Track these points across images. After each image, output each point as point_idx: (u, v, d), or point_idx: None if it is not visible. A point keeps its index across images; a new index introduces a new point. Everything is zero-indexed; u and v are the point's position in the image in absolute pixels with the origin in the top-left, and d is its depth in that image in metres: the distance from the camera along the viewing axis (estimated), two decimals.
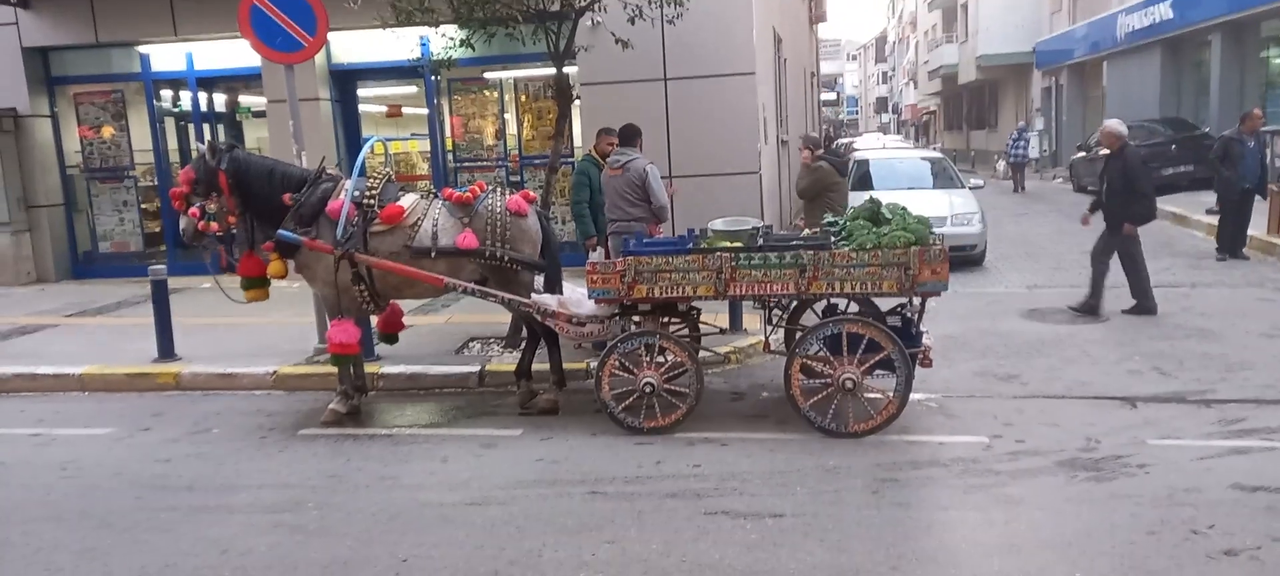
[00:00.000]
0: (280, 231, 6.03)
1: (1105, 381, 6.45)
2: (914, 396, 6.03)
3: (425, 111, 12.00)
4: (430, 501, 4.87)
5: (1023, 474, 4.89)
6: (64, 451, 6.07)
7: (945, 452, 5.28)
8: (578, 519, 4.53)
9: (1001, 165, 27.17)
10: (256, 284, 6.29)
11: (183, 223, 6.08)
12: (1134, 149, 8.21)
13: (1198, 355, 7.00)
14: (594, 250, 7.67)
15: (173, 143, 13.26)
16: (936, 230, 5.76)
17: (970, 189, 12.91)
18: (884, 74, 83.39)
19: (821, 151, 8.71)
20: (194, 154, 7.57)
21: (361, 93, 12.32)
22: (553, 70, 8.42)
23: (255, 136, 12.88)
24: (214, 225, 6.06)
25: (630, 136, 7.27)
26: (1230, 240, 11.28)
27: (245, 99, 13.01)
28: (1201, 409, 5.81)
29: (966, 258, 11.42)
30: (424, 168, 12.28)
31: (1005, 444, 5.40)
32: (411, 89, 12.50)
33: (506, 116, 11.99)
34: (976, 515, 4.38)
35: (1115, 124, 8.21)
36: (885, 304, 6.14)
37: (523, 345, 6.70)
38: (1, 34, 12.34)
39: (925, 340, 5.72)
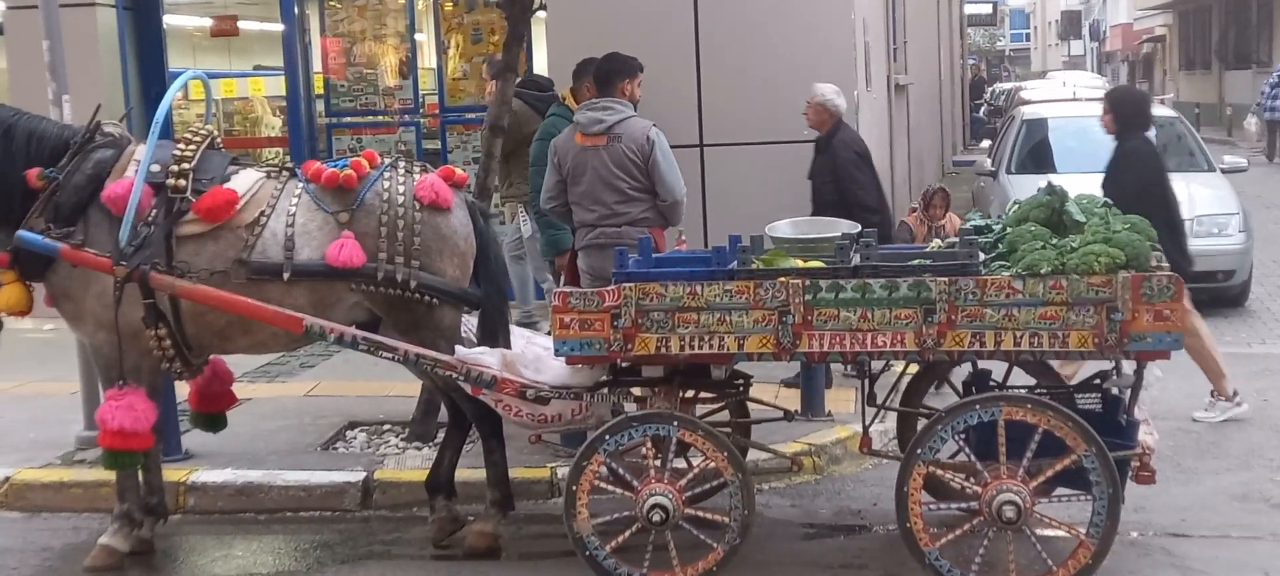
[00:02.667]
0: (20, 232, 5.18)
1: None
2: (1124, 534, 5.24)
3: (279, 28, 10.70)
4: None
5: None
6: None
7: None
8: None
9: (1254, 124, 25.34)
10: None
11: None
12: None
13: None
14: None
15: None
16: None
17: (1224, 173, 11.27)
18: None
19: (518, 82, 7.80)
20: None
21: None
22: None
23: None
24: None
25: (613, 76, 6.31)
26: None
27: None
28: None
29: (1217, 291, 9.98)
30: (275, 126, 11.28)
31: None
32: None
33: (419, 37, 10.75)
34: None
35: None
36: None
37: (441, 438, 5.89)
38: None
39: (1143, 436, 5.06)
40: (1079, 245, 4.80)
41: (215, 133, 5.63)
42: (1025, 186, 8.56)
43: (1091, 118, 11.62)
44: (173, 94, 5.62)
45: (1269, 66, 30.65)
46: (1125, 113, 7.30)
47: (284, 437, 6.94)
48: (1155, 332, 4.64)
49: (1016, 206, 5.30)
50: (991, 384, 5.42)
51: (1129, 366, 4.99)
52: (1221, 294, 10.07)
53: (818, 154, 7.67)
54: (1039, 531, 4.81)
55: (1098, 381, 5.20)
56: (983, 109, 33.52)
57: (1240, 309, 10.22)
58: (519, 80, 8.02)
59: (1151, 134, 7.40)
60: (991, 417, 4.74)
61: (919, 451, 4.77)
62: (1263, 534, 5.47)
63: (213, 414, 5.93)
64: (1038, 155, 11.57)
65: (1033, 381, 5.49)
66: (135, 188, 5.14)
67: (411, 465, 6.37)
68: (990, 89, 38.10)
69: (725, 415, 5.71)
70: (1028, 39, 78.76)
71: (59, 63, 6.52)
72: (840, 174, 7.46)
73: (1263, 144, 23.66)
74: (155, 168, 5.24)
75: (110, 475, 5.50)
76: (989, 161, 12.57)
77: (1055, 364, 5.58)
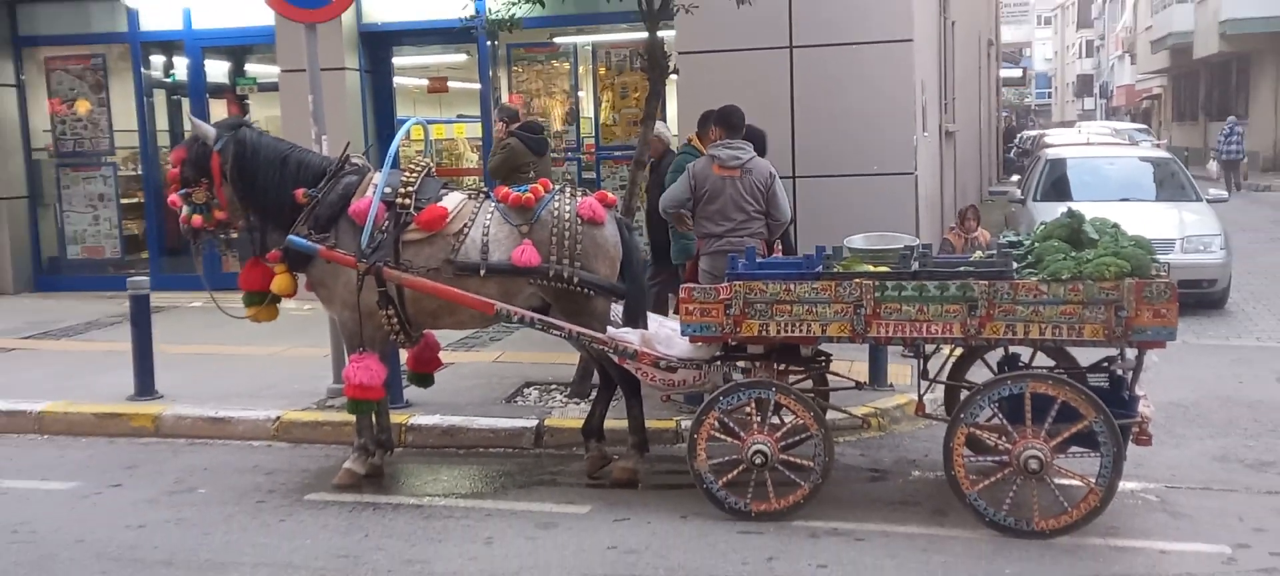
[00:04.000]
0: (290, 236, 6.29)
1: None
2: (1125, 485, 5.96)
3: (478, 87, 12.34)
4: None
5: None
6: (15, 509, 6.32)
7: (1169, 565, 5.25)
8: None
9: (1213, 167, 29.88)
10: (261, 300, 6.56)
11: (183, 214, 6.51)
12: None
13: None
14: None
15: (162, 121, 13.87)
16: (1161, 257, 5.78)
17: (1209, 202, 12.83)
18: (1088, 44, 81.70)
19: (516, 126, 9.49)
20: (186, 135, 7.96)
21: (398, 61, 12.77)
22: (644, 34, 8.64)
23: (264, 115, 13.40)
24: (196, 218, 6.41)
25: (737, 124, 7.31)
26: None
27: (253, 68, 13.56)
28: None
29: (1202, 296, 11.40)
30: (474, 159, 12.77)
31: (1255, 557, 5.32)
32: (461, 58, 12.90)
33: (581, 94, 12.28)
34: None
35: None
36: (1086, 357, 6.11)
37: (594, 395, 6.89)
38: None
39: (1142, 408, 5.71)
40: (1093, 257, 5.48)
41: (431, 165, 6.68)
42: (1048, 211, 9.64)
43: (1102, 159, 13.62)
44: (401, 136, 6.72)
45: (1248, 118, 33.12)
46: None
47: (477, 393, 8.18)
48: (1154, 327, 5.34)
49: (1042, 227, 6.01)
50: (1020, 365, 6.19)
51: (1131, 353, 5.61)
52: (1206, 298, 11.40)
53: (652, 172, 9.01)
54: (1057, 480, 5.54)
55: (1106, 365, 5.91)
56: (1013, 151, 36.04)
57: (1222, 310, 11.54)
58: (517, 124, 9.50)
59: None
60: (1020, 391, 5.46)
61: (962, 415, 5.56)
62: (1238, 488, 6.17)
63: (424, 374, 6.99)
64: (1058, 187, 13.05)
65: (1052, 363, 6.16)
66: (373, 204, 6.20)
67: (572, 415, 7.46)
68: (1019, 135, 41.10)
69: (810, 384, 6.58)
70: (1050, 96, 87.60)
71: (319, 112, 7.71)
72: (663, 186, 8.03)
73: (1220, 180, 26.21)
74: (388, 190, 6.27)
75: (351, 417, 6.61)
76: (1019, 192, 13.95)
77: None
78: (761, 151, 7.56)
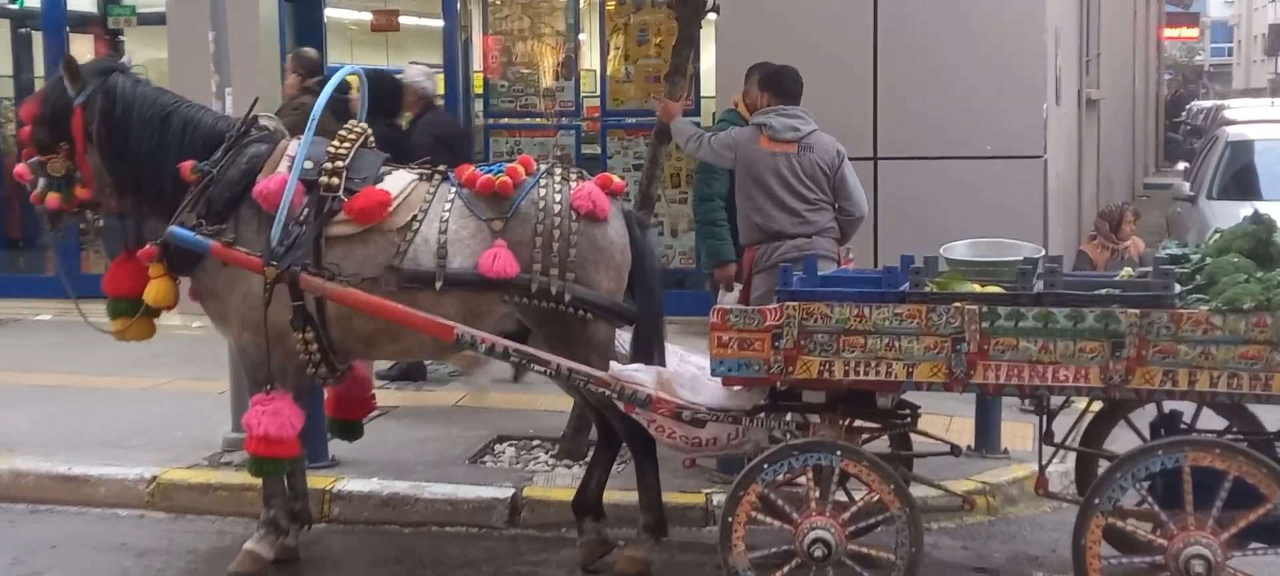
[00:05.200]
0: (172, 227, 6.30)
1: None
2: None
3: (439, 24, 12.55)
4: None
5: None
6: None
7: None
8: None
9: None
10: (133, 311, 6.59)
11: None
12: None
13: None
14: (730, 288, 7.94)
15: (4, 63, 14.13)
16: None
17: None
18: None
19: (316, 81, 9.46)
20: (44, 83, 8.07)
21: None
22: None
23: (146, 58, 13.49)
24: (53, 197, 6.50)
25: (792, 90, 7.55)
26: None
27: None
28: None
29: None
30: None
31: None
32: None
33: (582, 37, 12.54)
34: None
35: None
36: (1275, 419, 6.08)
37: (591, 455, 6.94)
38: None
39: None
40: None
41: (369, 130, 6.72)
42: (1228, 214, 9.70)
43: None
44: (329, 90, 6.70)
45: None
46: None
47: (431, 448, 8.25)
48: None
49: (1218, 235, 6.03)
50: (1181, 427, 6.11)
51: None
52: None
53: (406, 133, 9.49)
54: None
55: None
56: (1181, 128, 35.90)
57: None
58: (317, 79, 9.56)
59: None
60: (1176, 462, 5.45)
61: (1096, 501, 5.53)
62: None
63: (349, 420, 7.02)
64: (1243, 180, 13.22)
65: (1225, 425, 6.20)
66: (289, 185, 6.17)
67: (561, 483, 7.56)
68: (1189, 106, 40.76)
69: (891, 446, 6.65)
70: (1231, 53, 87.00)
71: (223, 55, 7.84)
72: (416, 156, 7.96)
73: None
74: (309, 165, 6.26)
75: (257, 479, 6.59)
76: (1187, 185, 14.18)
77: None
78: None
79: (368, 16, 13.39)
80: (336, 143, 6.50)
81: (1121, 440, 6.45)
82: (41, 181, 6.51)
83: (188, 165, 6.39)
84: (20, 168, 6.59)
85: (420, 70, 9.90)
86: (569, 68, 12.49)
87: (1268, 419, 6.11)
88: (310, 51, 10.45)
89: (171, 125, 6.49)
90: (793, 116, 7.35)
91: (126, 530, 7.33)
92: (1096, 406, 6.44)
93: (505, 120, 12.55)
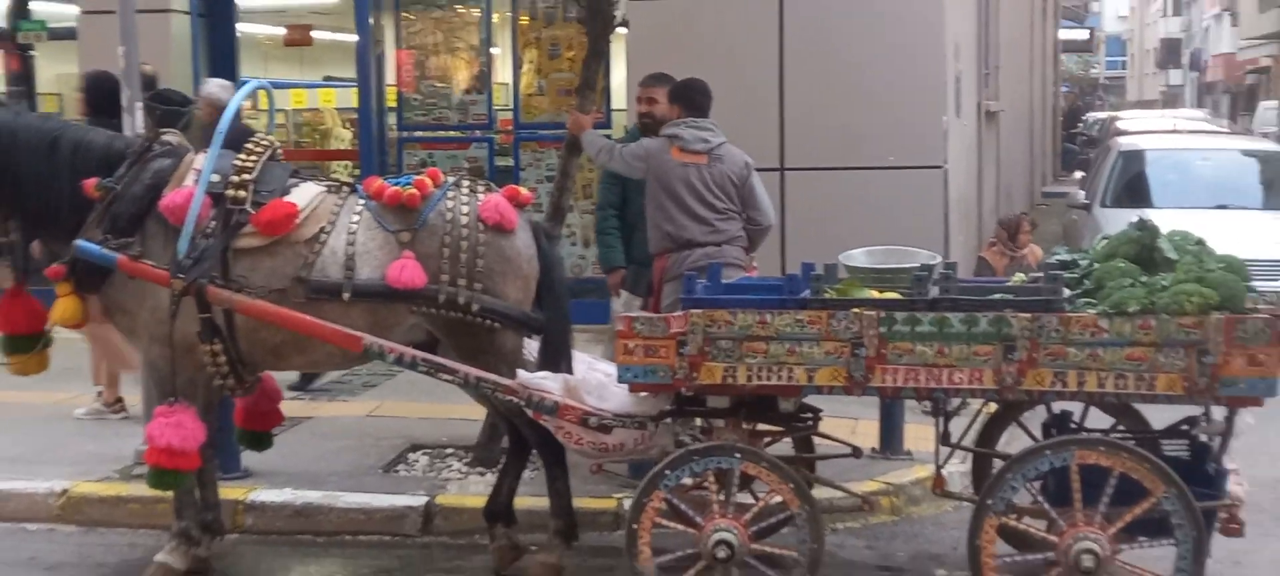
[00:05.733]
0: (79, 242, 6.29)
1: None
2: None
3: (354, 39, 12.40)
4: None
5: None
6: None
7: None
8: None
9: None
10: (24, 347, 6.63)
11: None
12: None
13: None
14: (618, 294, 8.13)
15: None
16: (1261, 285, 5.92)
17: None
18: (1175, 1, 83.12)
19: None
20: None
21: (243, 1, 12.70)
22: None
23: (55, 73, 13.35)
24: None
25: (701, 103, 7.64)
26: None
27: (41, 7, 13.58)
28: None
29: None
30: (345, 139, 13.14)
31: None
32: None
33: (495, 51, 12.50)
34: None
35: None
36: (1161, 417, 6.21)
37: (502, 463, 6.97)
38: None
39: (1233, 486, 5.84)
40: (1170, 284, 5.55)
41: (276, 144, 6.70)
42: (1120, 221, 9.31)
43: (1193, 150, 13.74)
44: (237, 103, 6.75)
45: None
46: None
47: (345, 459, 8.26)
48: (1249, 377, 5.41)
49: (1105, 241, 6.15)
50: (1072, 427, 6.22)
51: (1219, 412, 5.75)
52: None
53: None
54: None
55: (1186, 427, 6.00)
56: (1077, 139, 36.68)
57: None
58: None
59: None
60: (1063, 461, 5.56)
61: (990, 501, 5.66)
62: None
63: (259, 432, 7.04)
64: (1134, 188, 13.49)
65: (1112, 423, 6.34)
66: (195, 198, 6.18)
67: (474, 491, 7.57)
68: (1084, 118, 41.74)
69: (794, 449, 6.69)
70: (1124, 66, 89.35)
71: (133, 69, 7.74)
72: None
73: None
74: (216, 178, 6.27)
75: (157, 491, 6.58)
76: (1082, 194, 14.41)
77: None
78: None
79: (281, 32, 13.32)
80: (243, 155, 6.49)
81: (1019, 441, 6.59)
82: None
83: (91, 182, 6.37)
84: None
85: (217, 82, 9.75)
86: (482, 82, 12.56)
87: (1155, 418, 6.24)
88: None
89: (60, 149, 6.45)
90: (702, 128, 7.46)
91: (36, 544, 7.29)
92: (991, 408, 6.58)
93: (419, 133, 12.55)
